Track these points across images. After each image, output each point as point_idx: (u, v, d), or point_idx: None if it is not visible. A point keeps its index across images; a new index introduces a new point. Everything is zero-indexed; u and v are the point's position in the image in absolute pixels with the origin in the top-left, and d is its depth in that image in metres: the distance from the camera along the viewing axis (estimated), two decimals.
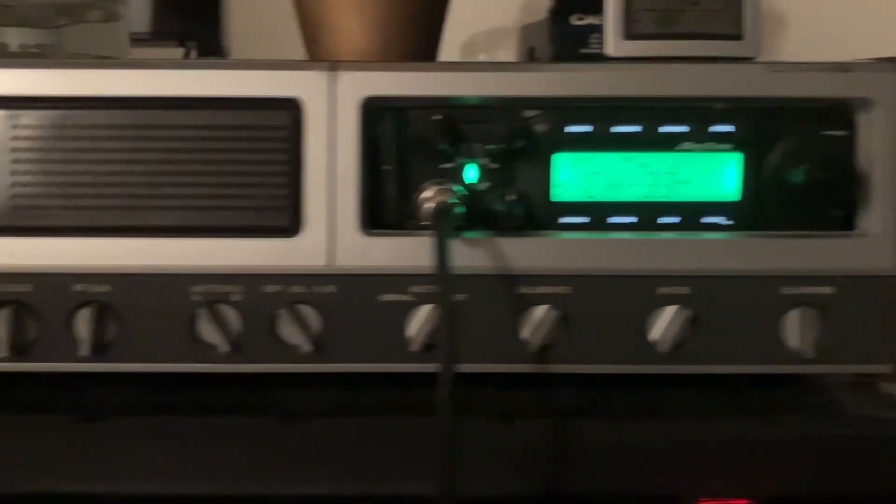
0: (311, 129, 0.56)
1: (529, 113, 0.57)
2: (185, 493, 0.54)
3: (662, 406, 0.60)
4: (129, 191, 0.56)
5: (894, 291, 0.57)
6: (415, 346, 0.56)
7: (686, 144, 0.57)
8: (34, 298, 0.55)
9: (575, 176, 0.58)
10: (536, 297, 0.57)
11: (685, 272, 0.56)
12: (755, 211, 0.58)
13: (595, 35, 0.78)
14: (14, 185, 0.55)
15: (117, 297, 0.56)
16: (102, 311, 0.55)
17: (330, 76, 0.56)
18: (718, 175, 0.57)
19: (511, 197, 0.57)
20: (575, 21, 0.78)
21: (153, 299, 0.56)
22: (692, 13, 0.66)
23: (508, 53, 0.95)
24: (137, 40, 0.90)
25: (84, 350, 0.55)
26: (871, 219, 0.57)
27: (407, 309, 0.56)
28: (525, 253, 0.56)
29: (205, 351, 0.56)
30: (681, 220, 0.58)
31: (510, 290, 0.56)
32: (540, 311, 0.56)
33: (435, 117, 0.56)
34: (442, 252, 0.48)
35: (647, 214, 0.58)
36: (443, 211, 0.51)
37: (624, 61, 0.62)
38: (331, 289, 0.56)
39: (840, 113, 0.57)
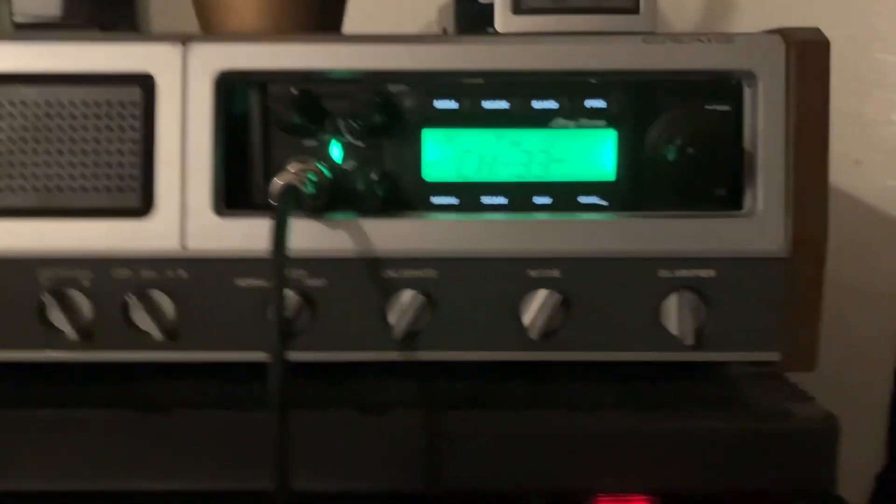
0: (163, 105, 0.53)
1: (396, 88, 0.54)
2: (38, 490, 0.52)
3: (552, 397, 0.57)
4: None
5: (782, 274, 0.54)
6: None
7: (559, 121, 0.54)
8: None
9: (446, 154, 0.55)
10: (403, 281, 0.54)
11: (557, 254, 0.53)
12: (632, 191, 0.55)
13: None
14: None
15: None
16: None
17: (182, 50, 0.53)
18: (593, 153, 0.54)
19: (378, 176, 0.54)
20: None
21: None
22: None
23: None
24: (46, 26, 0.88)
25: None
26: (757, 198, 0.54)
27: (265, 294, 0.53)
28: (391, 235, 0.54)
29: (56, 338, 0.54)
30: (555, 201, 0.55)
31: (375, 275, 0.54)
32: (406, 296, 0.53)
33: (292, 92, 0.53)
34: (278, 234, 0.46)
35: (521, 195, 0.55)
36: (286, 191, 0.48)
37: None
38: (183, 273, 0.53)
39: (722, 87, 0.55)
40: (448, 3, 0.80)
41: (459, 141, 0.55)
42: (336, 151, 0.55)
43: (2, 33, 0.71)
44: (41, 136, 0.53)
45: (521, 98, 0.54)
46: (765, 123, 0.53)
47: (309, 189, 0.50)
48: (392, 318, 0.54)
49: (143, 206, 0.53)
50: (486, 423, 0.53)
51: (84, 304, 0.53)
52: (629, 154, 0.54)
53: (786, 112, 0.53)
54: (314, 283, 0.53)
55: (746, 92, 0.54)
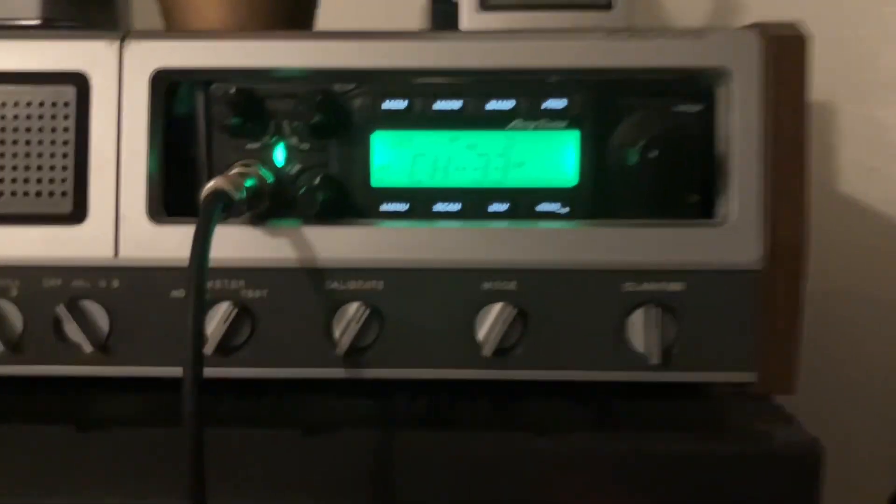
0: (97, 105, 0.50)
1: (344, 87, 0.51)
2: None
3: (514, 417, 0.53)
4: None
5: (758, 288, 0.49)
6: (210, 348, 0.50)
7: (517, 122, 0.51)
8: None
9: (396, 158, 0.51)
10: (348, 293, 0.50)
11: (513, 265, 0.50)
12: (595, 197, 0.51)
13: None
14: None
15: None
16: None
17: (118, 47, 0.50)
18: (553, 157, 0.51)
19: (319, 181, 0.50)
20: None
21: None
22: None
23: None
24: (25, 28, 0.86)
25: None
26: (730, 205, 0.50)
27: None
28: (336, 244, 0.50)
29: None
30: (513, 208, 0.51)
31: (318, 286, 0.50)
32: (351, 309, 0.50)
33: (231, 91, 0.50)
34: (198, 243, 0.42)
35: (476, 201, 0.51)
36: (213, 196, 0.45)
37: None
38: (116, 283, 0.50)
39: (693, 86, 0.51)
40: (426, 3, 0.77)
41: (411, 144, 0.51)
42: (280, 154, 0.51)
43: None
44: None
45: (476, 98, 0.51)
46: (739, 124, 0.49)
47: (242, 195, 0.47)
48: (337, 332, 0.50)
49: (75, 212, 0.50)
50: (442, 446, 0.49)
51: (13, 315, 0.51)
52: (592, 158, 0.51)
53: (762, 112, 0.49)
54: (253, 294, 0.50)
55: (719, 91, 0.50)
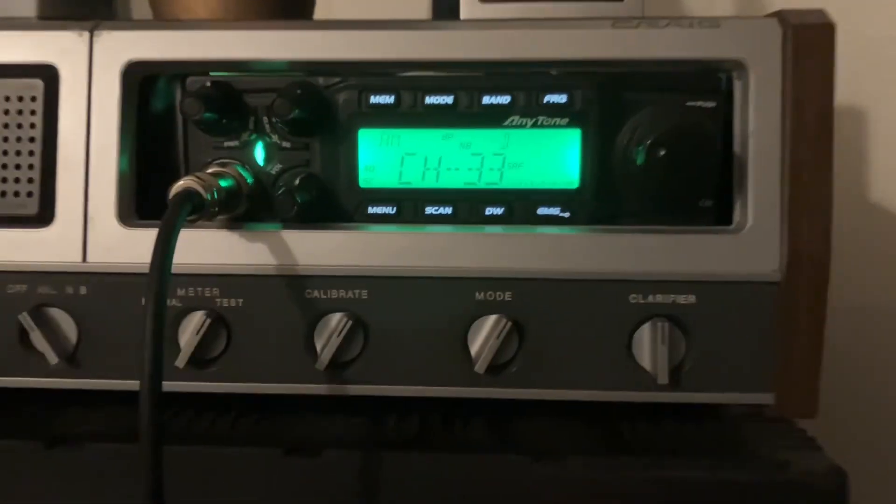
0: (66, 100, 0.47)
1: (328, 81, 0.48)
2: None
3: (512, 438, 0.49)
4: None
5: (776, 301, 0.45)
6: (182, 361, 0.46)
7: (515, 119, 0.47)
8: None
9: (385, 157, 0.48)
10: (330, 302, 0.47)
11: (509, 274, 0.46)
12: (599, 201, 0.47)
13: None
14: None
15: None
16: None
17: (89, 38, 0.47)
18: (554, 156, 0.47)
19: (304, 182, 0.47)
20: None
21: None
22: None
23: None
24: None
25: None
26: (747, 210, 0.46)
27: (176, 315, 0.47)
28: (318, 249, 0.47)
29: None
30: (510, 212, 0.47)
31: (299, 295, 0.47)
32: (333, 320, 0.46)
33: (205, 84, 0.46)
34: (161, 246, 0.39)
35: (471, 205, 0.48)
36: (180, 197, 0.42)
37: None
38: (84, 290, 0.47)
39: (707, 79, 0.47)
40: None
41: (400, 142, 0.47)
42: (259, 153, 0.48)
43: None
44: None
45: (470, 93, 0.47)
46: (757, 122, 0.45)
47: (214, 195, 0.43)
48: (318, 345, 0.47)
49: (41, 213, 0.47)
50: (432, 469, 0.46)
51: None
52: (596, 158, 0.47)
53: (782, 109, 0.45)
54: (228, 303, 0.47)
55: (736, 85, 0.46)
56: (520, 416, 0.51)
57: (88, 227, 0.47)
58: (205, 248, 0.46)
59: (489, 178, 0.47)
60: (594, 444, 0.48)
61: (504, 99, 0.46)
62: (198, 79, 0.48)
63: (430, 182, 0.48)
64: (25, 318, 0.47)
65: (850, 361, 0.80)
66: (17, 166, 0.47)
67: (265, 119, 0.48)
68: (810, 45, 0.44)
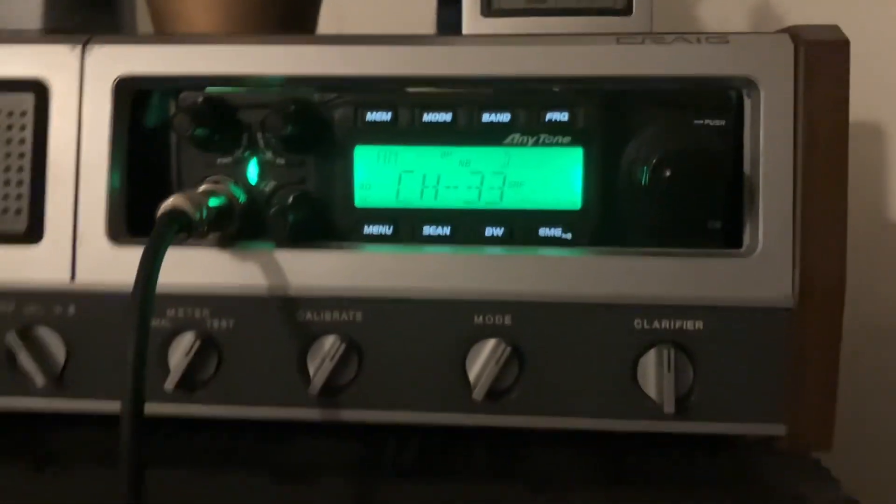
0: (57, 115, 0.46)
1: (323, 97, 0.46)
2: None
3: (513, 467, 0.48)
4: None
5: (788, 328, 0.43)
6: (171, 383, 0.45)
7: (515, 137, 0.45)
8: None
9: (382, 175, 0.46)
10: (323, 325, 0.45)
11: (509, 297, 0.44)
12: (603, 222, 0.45)
13: None
14: None
15: None
16: None
17: (80, 53, 0.46)
18: (555, 176, 0.45)
19: (297, 201, 0.46)
20: None
21: None
22: None
23: None
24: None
25: None
26: (758, 232, 0.44)
27: (165, 336, 0.46)
28: (311, 270, 0.45)
29: None
30: (510, 233, 0.46)
31: (291, 317, 0.45)
32: (327, 343, 0.45)
33: (197, 100, 0.45)
34: (145, 266, 0.38)
35: (470, 225, 0.46)
36: (167, 216, 0.40)
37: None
38: (72, 309, 0.46)
39: (716, 97, 0.45)
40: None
41: (397, 160, 0.46)
42: (252, 170, 0.47)
43: None
44: None
45: (470, 110, 0.45)
46: (768, 141, 0.44)
47: (203, 214, 0.42)
48: (311, 369, 0.45)
49: (30, 231, 0.46)
50: (432, 498, 0.44)
51: None
52: (599, 177, 0.45)
53: (794, 127, 0.43)
54: (219, 324, 0.45)
55: (746, 103, 0.44)
56: (521, 443, 0.50)
57: (78, 246, 0.46)
58: (195, 268, 0.45)
59: (489, 198, 0.46)
60: (597, 474, 0.46)
61: (504, 116, 0.45)
62: (190, 94, 0.47)
63: (428, 201, 0.46)
64: (13, 339, 0.46)
65: (867, 388, 0.77)
66: (7, 182, 0.46)
67: (259, 135, 0.46)
68: (823, 61, 0.43)
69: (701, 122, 0.44)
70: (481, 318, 0.44)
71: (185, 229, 0.41)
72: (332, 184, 0.47)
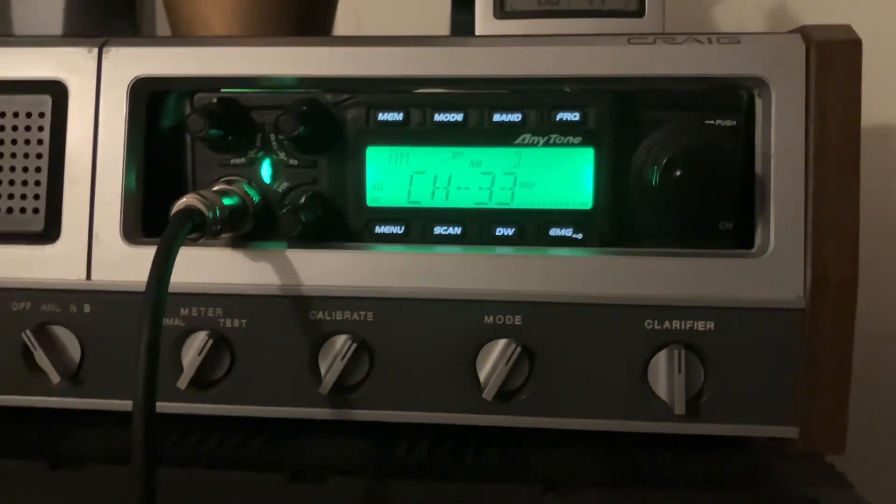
0: (74, 116, 0.47)
1: (335, 98, 0.47)
2: None
3: (524, 467, 0.48)
4: None
5: (800, 329, 0.43)
6: (184, 382, 0.45)
7: (526, 137, 0.45)
8: None
9: (393, 176, 0.47)
10: (334, 324, 0.45)
11: (519, 297, 0.44)
12: (614, 222, 0.45)
13: None
14: None
15: None
16: None
17: (98, 54, 0.47)
18: (566, 176, 0.45)
19: (309, 200, 0.46)
20: None
21: None
22: None
23: None
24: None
25: None
26: (769, 233, 0.44)
27: (178, 335, 0.46)
28: (323, 269, 0.45)
29: None
30: (521, 233, 0.46)
31: (303, 316, 0.45)
32: (338, 343, 0.45)
33: (211, 101, 0.46)
34: (158, 265, 0.38)
35: (480, 225, 0.46)
36: (181, 215, 0.41)
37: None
38: (88, 308, 0.46)
39: (727, 97, 0.45)
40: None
41: (408, 160, 0.46)
42: (266, 171, 0.47)
43: None
44: None
45: (481, 110, 0.45)
46: (779, 141, 0.43)
47: (216, 213, 0.42)
48: (322, 368, 0.45)
49: (47, 230, 0.47)
50: (443, 498, 0.44)
51: None
52: (610, 177, 0.45)
53: (806, 128, 0.43)
54: (232, 323, 0.46)
55: (757, 103, 0.44)
56: (533, 443, 0.50)
57: (93, 245, 0.46)
58: (208, 267, 0.46)
59: (500, 198, 0.46)
60: (609, 474, 0.46)
61: (515, 116, 0.45)
62: (205, 95, 0.47)
63: (439, 201, 0.46)
64: (28, 337, 0.46)
65: (880, 391, 0.77)
66: (24, 182, 0.47)
67: (272, 136, 0.47)
68: (835, 61, 0.42)
69: (712, 122, 0.44)
70: (492, 318, 0.44)
71: (199, 228, 0.42)
72: (344, 184, 0.47)
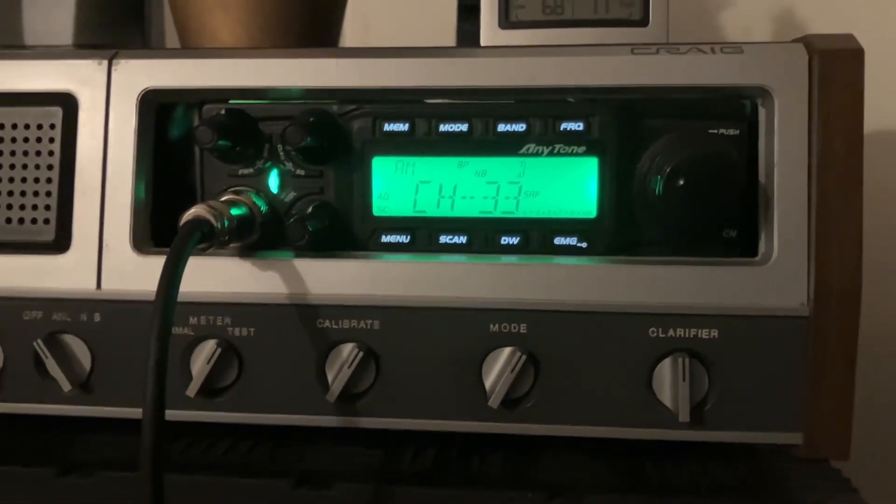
0: (84, 128, 0.48)
1: (342, 108, 0.47)
2: None
3: (531, 473, 0.48)
4: None
5: (804, 336, 0.43)
6: (193, 390, 0.46)
7: (530, 147, 0.46)
8: None
9: (399, 185, 0.47)
10: (341, 332, 0.46)
11: (525, 305, 0.45)
12: (618, 231, 0.46)
13: None
14: None
15: None
16: None
17: (108, 66, 0.47)
18: (571, 185, 0.46)
19: (316, 210, 0.46)
20: None
21: None
22: None
23: None
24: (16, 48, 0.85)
25: None
26: (773, 241, 0.44)
27: (187, 344, 0.47)
28: (330, 278, 0.46)
29: None
30: (526, 242, 0.46)
31: (310, 325, 0.46)
32: (345, 351, 0.46)
33: (220, 112, 0.46)
34: (167, 275, 0.39)
35: (486, 234, 0.47)
36: (190, 226, 0.41)
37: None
38: (98, 317, 0.47)
39: (731, 106, 0.45)
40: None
41: (414, 170, 0.47)
42: (274, 181, 0.48)
43: None
44: None
45: (485, 120, 0.46)
46: (782, 150, 0.44)
47: (225, 223, 0.43)
48: (329, 376, 0.46)
49: (58, 240, 0.47)
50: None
51: None
52: (614, 186, 0.45)
53: (809, 136, 0.43)
54: (240, 332, 0.46)
55: (760, 112, 0.44)
56: (539, 450, 0.50)
57: (103, 255, 0.47)
58: (217, 276, 0.46)
59: (505, 207, 0.46)
60: (615, 481, 0.47)
61: (520, 126, 0.45)
62: (213, 106, 0.48)
63: (444, 210, 0.47)
64: (40, 346, 0.47)
65: (885, 398, 0.77)
66: (36, 193, 0.48)
67: (280, 147, 0.47)
68: (838, 70, 0.43)
69: (716, 131, 0.45)
70: (497, 326, 0.45)
71: (208, 238, 0.42)
72: (350, 194, 0.47)
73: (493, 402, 0.44)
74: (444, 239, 0.47)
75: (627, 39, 0.53)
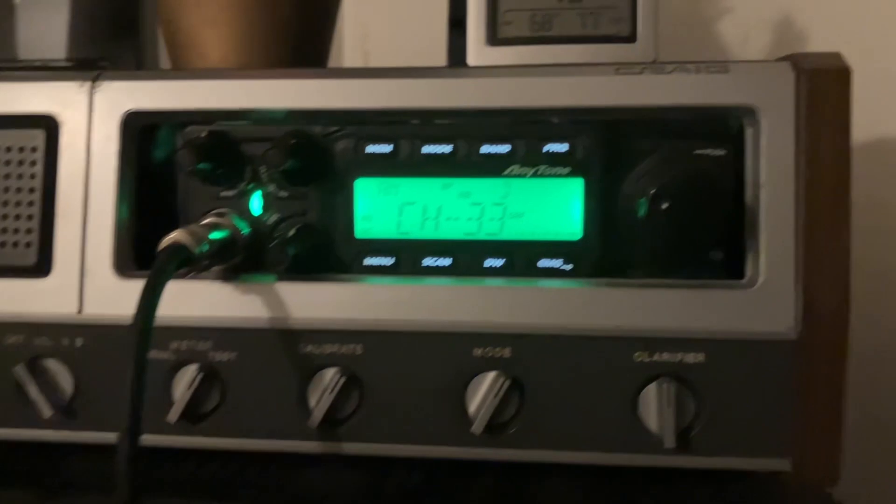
0: (66, 150, 0.47)
1: (324, 130, 0.47)
2: None
3: (518, 498, 0.47)
4: None
5: (792, 360, 0.42)
6: (175, 415, 0.45)
7: (515, 168, 0.45)
8: None
9: (382, 207, 0.47)
10: (324, 357, 0.45)
11: (509, 329, 0.44)
12: (603, 253, 0.45)
13: None
14: None
15: None
16: None
17: (90, 88, 0.47)
18: (555, 207, 0.45)
19: (299, 233, 0.46)
20: None
21: None
22: (573, 13, 0.54)
23: None
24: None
25: None
26: (760, 263, 0.43)
27: (169, 368, 0.46)
28: (312, 302, 0.45)
29: None
30: (510, 264, 0.46)
31: (292, 349, 0.45)
32: (327, 376, 0.45)
33: (200, 135, 0.46)
34: (145, 301, 0.38)
35: (470, 256, 0.46)
36: (168, 251, 0.41)
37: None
38: (80, 341, 0.47)
39: (717, 126, 0.45)
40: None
41: (397, 191, 0.46)
42: (256, 203, 0.47)
43: None
44: None
45: (469, 141, 0.45)
46: (769, 171, 0.43)
47: (204, 248, 0.43)
48: (311, 401, 0.45)
49: (39, 264, 0.47)
50: None
51: None
52: (599, 208, 0.45)
53: (796, 157, 0.43)
54: (222, 357, 0.46)
55: (747, 132, 0.44)
56: (525, 473, 0.49)
57: (85, 278, 0.47)
58: (198, 301, 0.46)
59: (489, 229, 0.46)
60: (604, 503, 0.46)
61: (504, 148, 0.45)
62: (195, 128, 0.47)
63: (429, 232, 0.46)
64: (21, 371, 0.46)
65: (877, 418, 0.76)
66: (17, 217, 0.47)
67: (262, 169, 0.47)
68: (825, 89, 0.42)
69: (702, 151, 0.44)
70: (481, 350, 0.44)
71: (187, 264, 0.42)
72: (333, 216, 0.47)
73: (477, 427, 0.44)
74: (427, 262, 0.46)
75: (615, 56, 0.52)
